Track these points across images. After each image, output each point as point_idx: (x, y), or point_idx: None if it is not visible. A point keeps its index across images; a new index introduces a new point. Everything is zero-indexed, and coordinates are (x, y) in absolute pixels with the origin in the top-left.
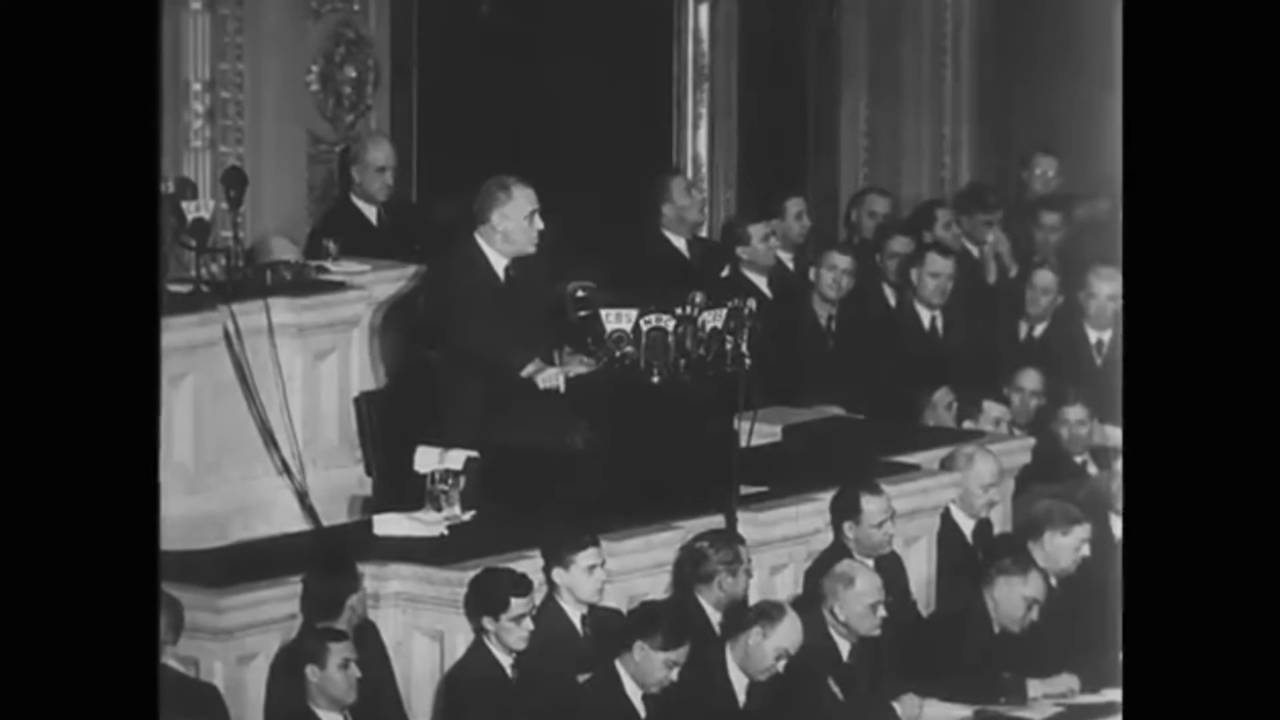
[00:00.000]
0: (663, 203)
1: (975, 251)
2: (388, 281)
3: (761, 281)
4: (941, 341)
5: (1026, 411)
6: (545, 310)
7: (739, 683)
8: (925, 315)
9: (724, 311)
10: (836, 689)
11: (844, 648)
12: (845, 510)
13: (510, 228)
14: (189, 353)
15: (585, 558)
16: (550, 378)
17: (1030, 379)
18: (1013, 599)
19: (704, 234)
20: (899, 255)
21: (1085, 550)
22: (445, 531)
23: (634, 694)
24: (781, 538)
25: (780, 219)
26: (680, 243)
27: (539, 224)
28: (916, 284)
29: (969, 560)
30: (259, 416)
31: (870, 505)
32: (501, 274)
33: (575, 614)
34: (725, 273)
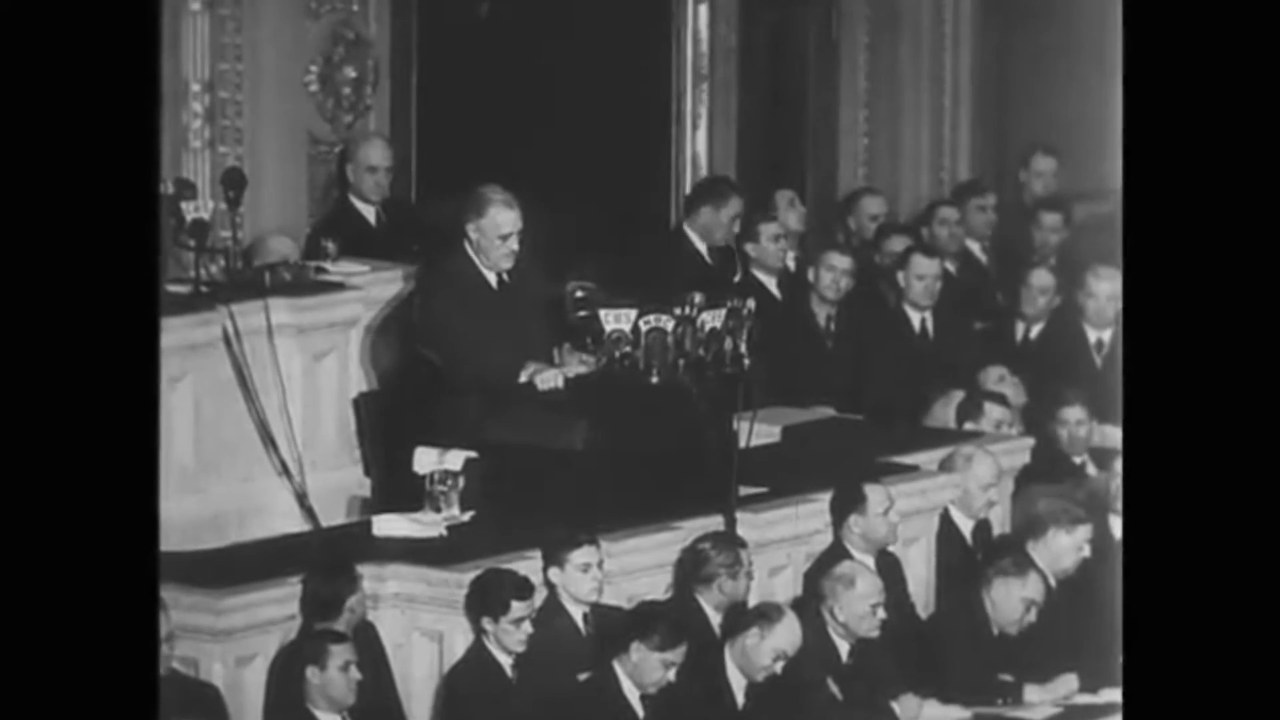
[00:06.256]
0: (705, 205)
1: (976, 249)
2: (386, 282)
3: (771, 282)
4: (932, 343)
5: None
6: (540, 313)
7: (737, 684)
8: (915, 317)
9: (723, 312)
10: (835, 689)
11: (843, 648)
12: (849, 502)
13: (483, 243)
14: (188, 353)
15: (580, 556)
16: (549, 379)
17: (994, 374)
18: (1011, 600)
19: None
20: (895, 255)
21: (1087, 550)
22: (444, 532)
23: (632, 695)
24: (780, 538)
25: (776, 215)
26: (702, 246)
27: (514, 245)
28: (904, 286)
29: (968, 561)
30: (258, 417)
31: (874, 494)
32: (493, 279)
33: (577, 613)
34: (738, 277)
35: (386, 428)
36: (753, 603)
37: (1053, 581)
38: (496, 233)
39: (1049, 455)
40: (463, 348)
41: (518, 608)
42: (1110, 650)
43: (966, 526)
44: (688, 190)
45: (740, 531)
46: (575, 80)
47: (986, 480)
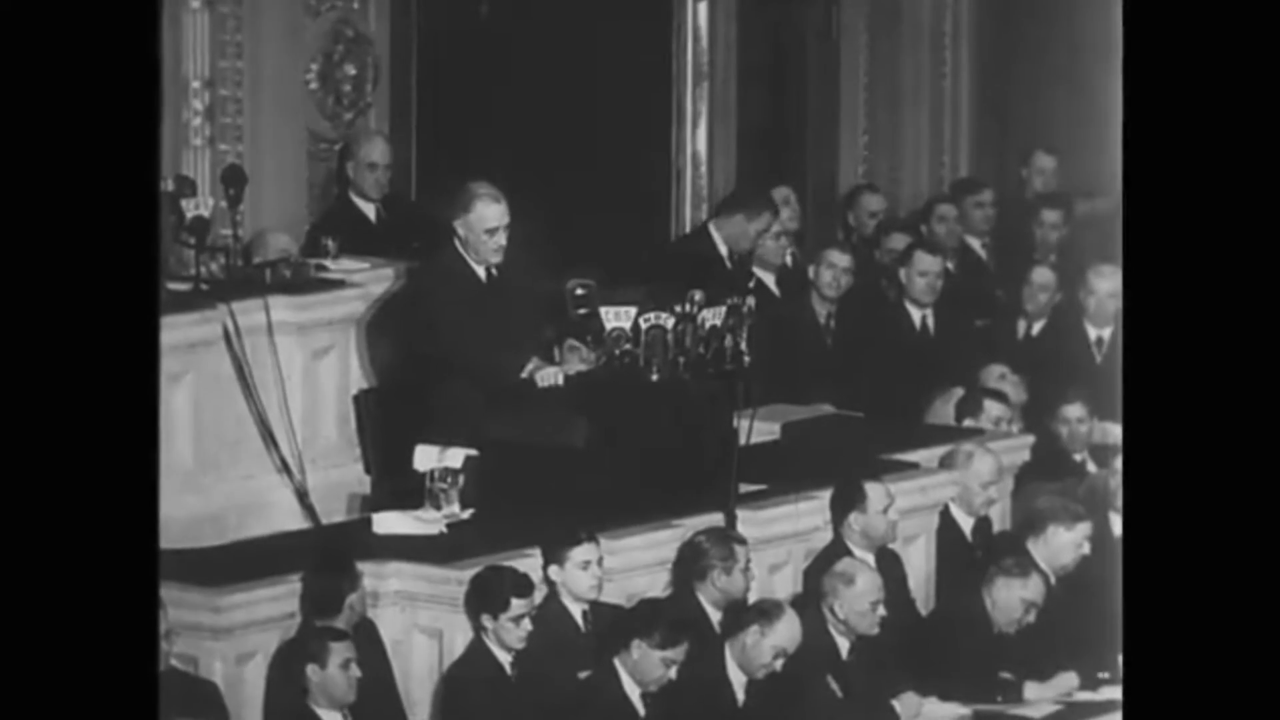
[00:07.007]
0: (739, 213)
1: (976, 245)
2: (386, 279)
3: (770, 279)
4: (932, 340)
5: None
6: (532, 309)
7: (738, 681)
8: (915, 314)
9: (723, 309)
10: (835, 687)
11: (843, 646)
12: (849, 500)
13: (471, 239)
14: (188, 351)
15: (579, 553)
16: (549, 376)
17: (994, 371)
18: (1011, 600)
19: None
20: (896, 252)
21: (1086, 548)
22: (444, 530)
23: (633, 692)
24: (780, 535)
25: (776, 215)
26: (724, 250)
27: (501, 240)
28: (906, 283)
29: (968, 559)
30: (258, 415)
31: (874, 491)
32: (482, 273)
33: (577, 610)
34: (752, 284)
35: (387, 425)
36: (753, 600)
37: (1052, 579)
38: (483, 227)
39: (1049, 452)
40: (454, 343)
41: (517, 605)
42: (1110, 648)
43: (967, 524)
44: (688, 189)
45: (740, 529)
46: (575, 79)
47: (987, 478)
